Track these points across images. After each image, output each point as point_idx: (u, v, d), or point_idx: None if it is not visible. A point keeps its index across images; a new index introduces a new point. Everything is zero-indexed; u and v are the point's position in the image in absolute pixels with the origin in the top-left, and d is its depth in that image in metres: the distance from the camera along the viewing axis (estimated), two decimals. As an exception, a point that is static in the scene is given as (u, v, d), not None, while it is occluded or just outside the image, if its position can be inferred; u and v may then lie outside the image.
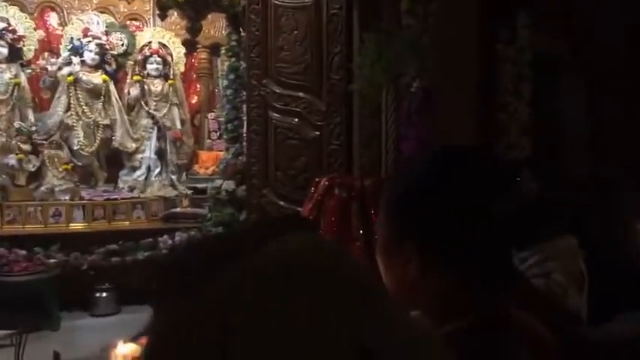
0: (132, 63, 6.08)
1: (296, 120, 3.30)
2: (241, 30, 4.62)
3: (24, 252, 4.82)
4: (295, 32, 3.28)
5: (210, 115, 6.71)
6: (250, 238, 0.49)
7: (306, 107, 3.26)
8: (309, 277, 0.45)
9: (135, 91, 6.05)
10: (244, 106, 4.09)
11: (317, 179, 2.67)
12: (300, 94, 3.28)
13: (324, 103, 3.16)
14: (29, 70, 5.75)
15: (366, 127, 2.87)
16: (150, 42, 6.10)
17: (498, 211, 0.71)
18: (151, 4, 6.17)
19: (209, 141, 6.67)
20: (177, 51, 6.27)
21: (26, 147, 5.57)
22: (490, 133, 2.67)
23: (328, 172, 2.95)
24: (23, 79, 5.63)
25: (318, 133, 3.19)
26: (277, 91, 3.39)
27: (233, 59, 5.11)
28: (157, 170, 6.05)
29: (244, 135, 4.21)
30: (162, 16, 5.78)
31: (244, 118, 4.14)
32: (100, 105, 5.84)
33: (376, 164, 2.77)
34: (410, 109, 2.57)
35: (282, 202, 3.38)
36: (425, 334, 0.55)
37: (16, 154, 5.49)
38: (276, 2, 3.41)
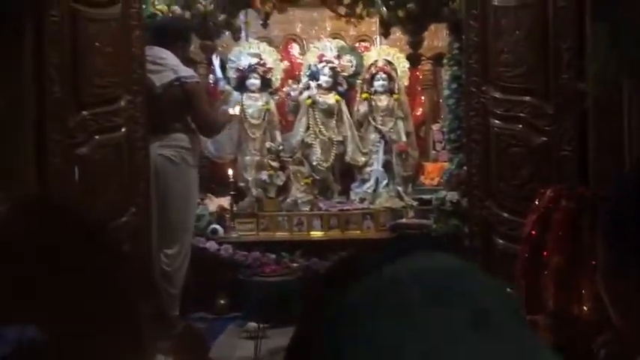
0: (360, 82, 6.46)
1: (519, 126, 3.09)
2: (463, 37, 4.52)
3: (274, 256, 5.53)
4: (517, 32, 3.08)
5: (435, 126, 6.68)
6: (380, 256, 0.49)
7: (531, 112, 3.03)
8: (437, 298, 0.44)
9: (363, 108, 6.41)
10: (466, 115, 3.98)
11: (542, 190, 2.47)
12: (524, 97, 3.07)
13: (552, 106, 2.89)
14: (276, 97, 6.59)
15: (603, 130, 2.52)
16: (376, 60, 6.40)
17: None
18: (377, 25, 6.48)
19: (434, 152, 6.65)
20: (402, 66, 6.42)
21: (275, 164, 6.39)
22: None
23: (558, 181, 2.69)
24: (272, 105, 6.48)
25: (545, 139, 2.93)
26: (498, 96, 3.23)
27: (455, 68, 5.02)
28: (385, 182, 6.27)
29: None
30: (386, 34, 6.02)
31: (467, 127, 4.02)
32: (333, 123, 6.37)
33: (616, 173, 2.40)
34: (660, 105, 2.17)
35: (505, 214, 3.18)
36: None
37: (267, 170, 6.34)
38: (496, 4, 3.26)
